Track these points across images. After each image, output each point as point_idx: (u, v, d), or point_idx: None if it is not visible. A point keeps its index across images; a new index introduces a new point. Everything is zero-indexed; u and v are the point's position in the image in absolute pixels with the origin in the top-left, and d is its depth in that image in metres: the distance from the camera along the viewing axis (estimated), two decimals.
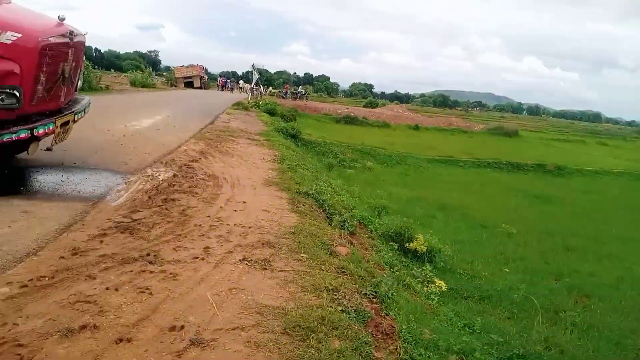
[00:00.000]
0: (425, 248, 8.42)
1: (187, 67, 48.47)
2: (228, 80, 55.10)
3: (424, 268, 7.71)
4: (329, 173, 14.77)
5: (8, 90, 5.12)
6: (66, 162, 6.99)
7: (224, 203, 6.19)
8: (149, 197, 5.84)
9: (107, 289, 3.42)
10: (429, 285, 7.15)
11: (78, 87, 6.81)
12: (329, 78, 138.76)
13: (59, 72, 5.81)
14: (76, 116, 6.38)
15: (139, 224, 4.87)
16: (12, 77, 5.14)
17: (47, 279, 3.42)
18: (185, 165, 7.98)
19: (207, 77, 52.30)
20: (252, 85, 39.97)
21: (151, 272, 3.81)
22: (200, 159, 8.78)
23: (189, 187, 6.66)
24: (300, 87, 67.04)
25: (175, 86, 42.46)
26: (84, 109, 6.69)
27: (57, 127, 5.82)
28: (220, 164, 8.66)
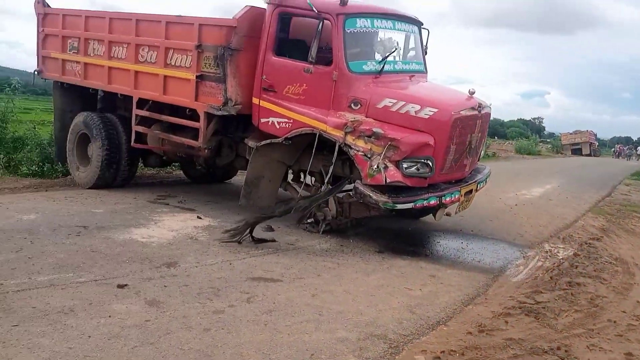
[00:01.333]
0: None
1: (574, 133, 45.49)
2: (625, 147, 49.10)
3: None
4: None
5: (423, 160, 5.62)
6: (464, 228, 7.20)
7: None
8: (551, 278, 5.33)
9: None
10: None
11: (480, 156, 6.98)
12: None
13: (467, 143, 6.06)
14: (478, 185, 6.52)
15: (544, 308, 4.41)
16: (427, 149, 5.62)
17: (457, 354, 3.37)
18: (585, 243, 7.10)
19: (597, 144, 47.73)
20: None
21: None
22: (602, 237, 7.69)
23: (594, 270, 5.81)
24: None
25: (562, 153, 40.24)
26: (485, 179, 6.79)
27: (461, 195, 6.04)
28: (627, 246, 7.36)
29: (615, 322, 4.32)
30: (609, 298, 4.92)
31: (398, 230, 6.88)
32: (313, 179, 6.59)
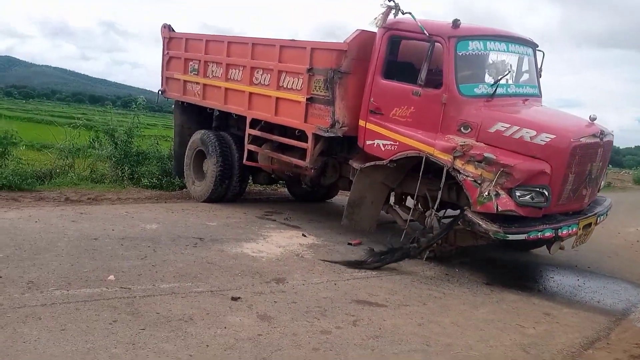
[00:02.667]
0: None
1: None
2: None
3: None
4: None
5: (538, 189, 5.32)
6: (579, 264, 6.72)
7: None
8: None
9: None
10: None
11: (601, 187, 6.50)
12: None
13: (586, 172, 5.68)
14: (598, 218, 6.06)
15: None
16: (543, 177, 5.33)
17: None
18: None
19: None
20: None
21: None
22: None
23: None
24: None
25: None
26: (606, 211, 6.30)
27: (580, 229, 5.65)
28: None
29: None
30: None
31: (506, 261, 6.57)
32: (416, 202, 6.50)
